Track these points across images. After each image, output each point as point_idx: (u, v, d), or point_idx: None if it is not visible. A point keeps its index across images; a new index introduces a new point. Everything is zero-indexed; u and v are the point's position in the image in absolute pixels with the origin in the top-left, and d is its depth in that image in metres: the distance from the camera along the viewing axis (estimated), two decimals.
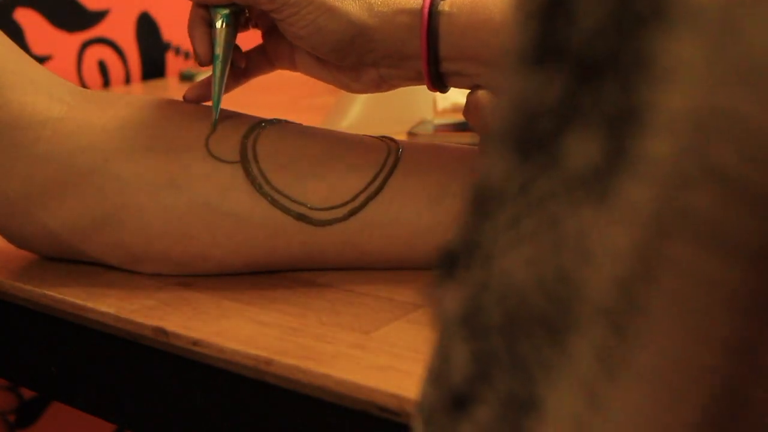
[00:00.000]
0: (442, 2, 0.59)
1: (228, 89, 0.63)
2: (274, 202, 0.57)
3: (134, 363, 0.56)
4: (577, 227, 0.21)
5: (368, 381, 0.45)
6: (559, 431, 0.22)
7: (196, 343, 0.51)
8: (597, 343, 0.21)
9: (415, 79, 0.62)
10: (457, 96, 1.05)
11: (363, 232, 0.57)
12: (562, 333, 0.21)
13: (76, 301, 0.56)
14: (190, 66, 1.38)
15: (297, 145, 0.59)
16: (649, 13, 0.20)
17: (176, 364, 0.53)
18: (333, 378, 0.46)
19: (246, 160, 0.58)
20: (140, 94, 1.24)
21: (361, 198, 0.57)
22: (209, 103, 0.61)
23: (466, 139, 0.87)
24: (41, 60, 1.19)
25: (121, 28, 1.29)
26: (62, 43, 1.22)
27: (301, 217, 0.57)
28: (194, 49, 0.61)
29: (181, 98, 0.63)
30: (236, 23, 0.61)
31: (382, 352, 0.48)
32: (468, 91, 0.61)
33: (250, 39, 0.66)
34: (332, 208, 0.57)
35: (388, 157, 0.59)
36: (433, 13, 0.59)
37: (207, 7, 0.61)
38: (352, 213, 0.57)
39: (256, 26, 0.65)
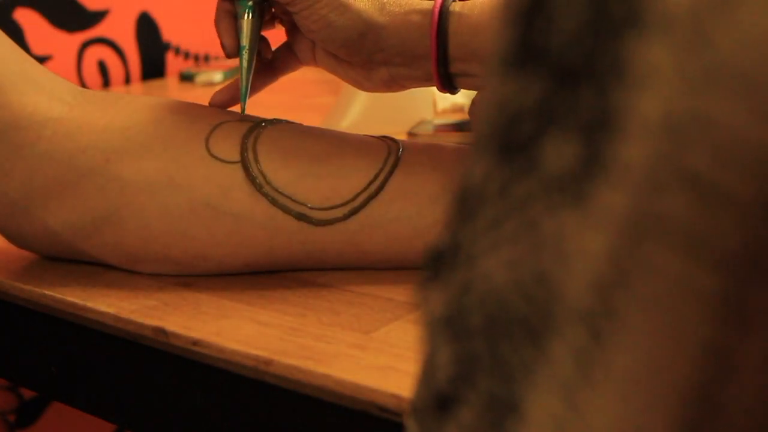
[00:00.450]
0: (453, 3, 0.59)
1: (256, 90, 0.64)
2: (274, 202, 0.57)
3: (134, 363, 0.56)
4: (554, 230, 0.21)
5: (368, 381, 0.45)
6: None
7: (196, 343, 0.51)
8: (575, 346, 0.21)
9: (425, 80, 0.62)
10: (457, 96, 1.05)
11: (363, 231, 0.57)
12: (541, 335, 0.22)
13: (75, 301, 0.56)
14: (190, 66, 1.38)
15: (297, 145, 0.59)
16: (623, 19, 0.20)
17: (176, 364, 0.53)
18: (333, 378, 0.46)
19: (246, 160, 0.58)
20: (140, 94, 1.24)
21: (362, 198, 0.57)
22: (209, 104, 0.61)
23: (466, 139, 0.87)
24: (41, 60, 1.19)
25: (121, 28, 1.29)
26: (62, 43, 1.22)
27: (301, 217, 0.57)
28: (221, 42, 0.62)
29: (180, 98, 0.63)
30: (261, 14, 0.62)
31: (382, 352, 0.48)
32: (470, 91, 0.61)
33: (275, 37, 0.66)
34: (332, 207, 0.57)
35: (389, 156, 0.59)
36: (444, 14, 0.59)
37: (232, 0, 0.62)
38: (353, 213, 0.57)
39: (281, 22, 0.66)
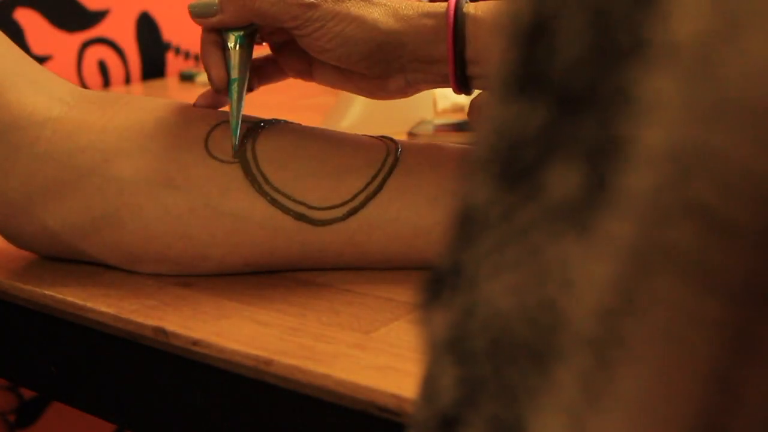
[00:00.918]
0: (467, 4, 0.59)
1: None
2: (273, 202, 0.57)
3: (134, 363, 0.56)
4: (558, 258, 0.21)
5: (368, 381, 0.45)
6: None
7: (195, 343, 0.51)
8: (581, 372, 0.21)
9: (441, 83, 0.61)
10: (458, 96, 1.05)
11: (362, 231, 0.57)
12: (547, 361, 0.22)
13: (76, 301, 0.56)
14: (190, 66, 1.38)
15: (296, 145, 0.59)
16: (628, 47, 0.20)
17: (176, 364, 0.53)
18: (333, 378, 0.46)
19: (245, 160, 0.58)
20: (140, 94, 1.24)
21: (361, 198, 0.57)
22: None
23: (466, 139, 0.87)
24: (41, 60, 1.19)
25: (121, 28, 1.29)
26: (62, 43, 1.22)
27: (300, 217, 0.57)
28: (209, 75, 0.60)
29: (180, 98, 0.63)
30: (251, 43, 0.60)
31: (382, 352, 0.48)
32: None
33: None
34: (332, 207, 0.57)
35: (388, 156, 0.59)
36: (459, 16, 0.58)
37: (219, 31, 0.60)
38: (352, 213, 0.57)
39: (264, 41, 0.64)
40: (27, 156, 0.58)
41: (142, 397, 0.57)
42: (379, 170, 0.58)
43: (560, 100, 0.21)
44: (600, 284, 0.21)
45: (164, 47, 1.35)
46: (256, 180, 0.57)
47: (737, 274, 0.20)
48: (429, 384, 0.25)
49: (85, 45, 1.25)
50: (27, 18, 1.18)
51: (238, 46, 0.59)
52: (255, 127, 0.60)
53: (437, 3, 0.59)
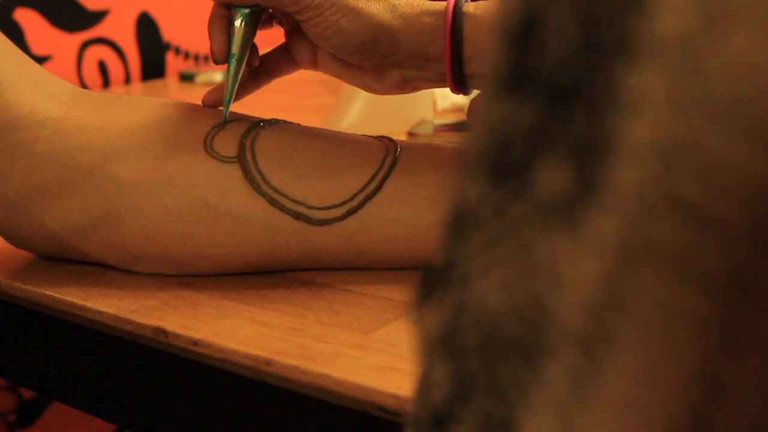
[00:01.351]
0: (466, 3, 0.59)
1: (249, 91, 0.64)
2: (272, 202, 0.57)
3: (134, 363, 0.56)
4: (548, 254, 0.21)
5: (368, 381, 0.45)
6: None
7: (195, 343, 0.51)
8: (569, 368, 0.21)
9: (438, 81, 0.62)
10: (457, 96, 1.05)
11: (361, 231, 0.57)
12: (536, 357, 0.22)
13: (75, 301, 0.56)
14: (189, 66, 1.38)
15: (295, 145, 0.59)
16: (614, 44, 0.20)
17: (176, 364, 0.53)
18: (332, 378, 0.46)
19: (244, 160, 0.58)
20: (140, 94, 1.24)
21: (360, 197, 0.57)
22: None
23: (464, 139, 0.87)
24: (41, 60, 1.19)
25: (121, 28, 1.29)
26: (62, 43, 1.22)
27: (299, 217, 0.57)
28: (211, 46, 0.61)
29: (180, 98, 0.63)
30: (256, 23, 0.61)
31: (382, 352, 0.48)
32: None
33: (268, 38, 0.66)
34: (331, 207, 0.57)
35: (387, 156, 0.59)
36: (458, 15, 0.58)
37: (228, 6, 0.61)
38: (351, 213, 0.57)
39: (279, 23, 0.65)
40: (26, 156, 0.58)
41: (142, 397, 0.57)
42: (378, 170, 0.58)
43: (549, 97, 0.21)
44: (587, 280, 0.21)
45: (164, 47, 1.35)
46: (255, 180, 0.57)
47: (721, 270, 0.20)
48: (423, 381, 0.25)
49: (85, 45, 1.25)
50: (27, 18, 1.18)
51: (242, 23, 0.60)
52: (254, 127, 0.60)
53: (438, 2, 0.60)
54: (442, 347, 0.24)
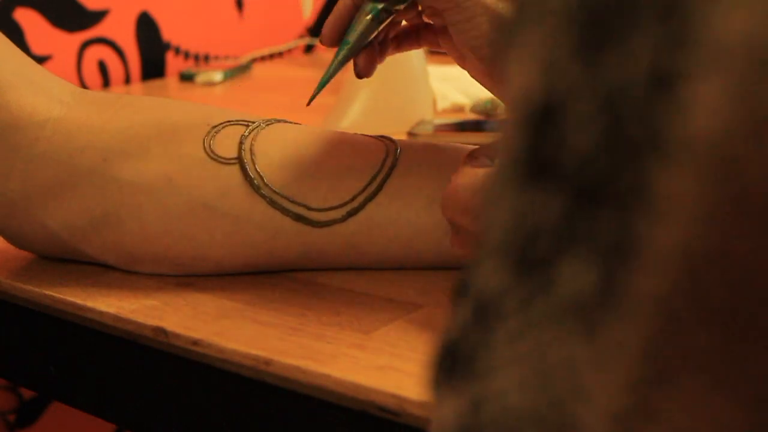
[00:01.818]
0: None
1: (379, 57, 0.61)
2: (272, 203, 0.57)
3: (134, 363, 0.56)
4: (565, 358, 0.20)
5: (368, 381, 0.45)
6: None
7: (195, 343, 0.51)
8: None
9: None
10: (457, 96, 1.06)
11: (362, 232, 0.57)
12: None
13: (75, 301, 0.56)
14: (189, 66, 1.38)
15: (295, 146, 0.59)
16: (643, 141, 0.19)
17: (176, 364, 0.53)
18: (333, 378, 0.46)
19: (244, 161, 0.58)
20: (140, 94, 1.24)
21: (360, 199, 0.57)
22: (208, 103, 0.61)
23: (465, 139, 0.87)
24: (41, 60, 1.19)
25: (121, 28, 1.29)
26: (62, 43, 1.22)
27: (299, 218, 0.57)
28: (325, 25, 0.59)
29: (180, 98, 0.63)
30: (384, 20, 0.58)
31: (382, 352, 0.48)
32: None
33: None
34: (331, 208, 0.57)
35: (387, 157, 0.59)
36: None
37: None
38: (351, 214, 0.57)
39: (418, 29, 0.62)
40: (26, 156, 0.58)
41: (142, 397, 0.57)
42: (379, 171, 0.58)
43: (576, 192, 0.20)
44: (613, 389, 0.20)
45: (164, 47, 1.35)
46: (254, 181, 0.57)
47: (758, 378, 0.19)
48: None
49: (85, 45, 1.25)
50: (27, 18, 1.18)
51: (370, 15, 0.58)
52: (254, 128, 0.60)
53: None
54: None
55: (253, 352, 0.49)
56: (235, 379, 0.50)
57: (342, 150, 0.59)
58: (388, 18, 0.59)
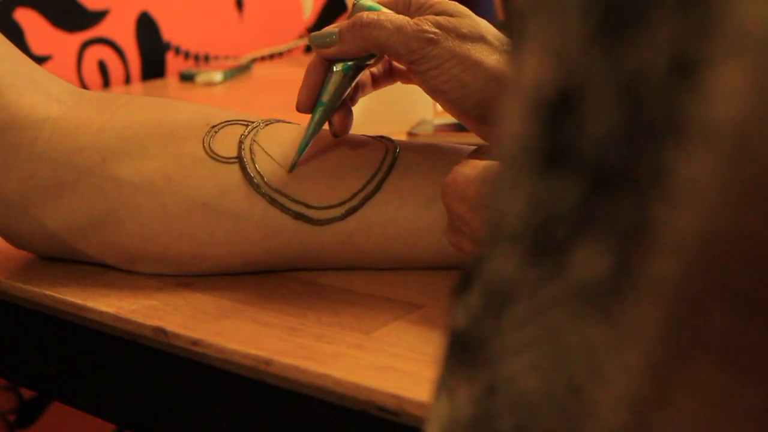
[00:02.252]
0: None
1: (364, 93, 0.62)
2: (272, 202, 0.57)
3: (134, 363, 0.56)
4: (581, 342, 0.21)
5: (368, 381, 0.45)
6: None
7: (195, 343, 0.51)
8: None
9: None
10: None
11: (361, 231, 0.57)
12: None
13: (75, 301, 0.56)
14: (189, 66, 1.38)
15: (295, 145, 0.59)
16: (663, 126, 0.19)
17: (176, 364, 0.53)
18: (332, 378, 0.46)
19: (244, 160, 0.58)
20: (140, 94, 1.24)
21: (359, 197, 0.57)
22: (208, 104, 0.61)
23: (465, 139, 0.87)
24: (41, 60, 1.19)
25: (121, 28, 1.29)
26: (62, 43, 1.22)
27: (299, 216, 0.57)
28: (299, 92, 0.59)
29: (180, 98, 0.63)
30: (355, 76, 0.59)
31: (382, 352, 0.48)
32: None
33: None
34: (330, 207, 0.57)
35: (386, 156, 0.59)
36: None
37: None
38: (350, 212, 0.57)
39: (391, 76, 0.63)
40: (25, 156, 0.58)
41: (142, 397, 0.57)
42: (378, 170, 0.58)
43: (594, 178, 0.20)
44: (631, 372, 0.20)
45: (164, 47, 1.35)
46: (254, 180, 0.57)
47: None
48: None
49: (85, 45, 1.25)
50: (27, 18, 1.18)
51: (342, 75, 0.58)
52: (254, 127, 0.60)
53: None
54: (474, 429, 0.23)
55: (253, 352, 0.49)
56: (235, 379, 0.50)
57: (341, 149, 0.59)
58: (359, 73, 0.59)
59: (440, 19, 0.56)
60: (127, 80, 1.31)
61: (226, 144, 0.58)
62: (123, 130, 0.59)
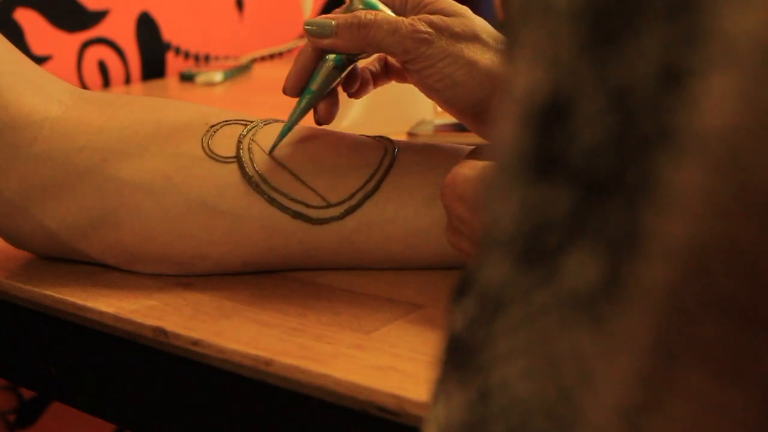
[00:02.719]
0: None
1: (360, 93, 0.62)
2: (271, 201, 0.57)
3: (134, 363, 0.56)
4: (571, 348, 0.21)
5: (368, 381, 0.45)
6: None
7: (195, 343, 0.51)
8: None
9: None
10: None
11: (360, 230, 0.57)
12: None
13: (75, 301, 0.56)
14: (190, 66, 1.38)
15: (294, 145, 0.59)
16: (654, 136, 0.19)
17: (176, 364, 0.53)
18: (332, 378, 0.46)
19: (243, 159, 0.58)
20: (140, 94, 1.24)
21: (358, 197, 0.57)
22: (209, 104, 0.61)
23: (465, 139, 0.87)
24: (41, 60, 1.19)
25: (121, 28, 1.29)
26: (62, 43, 1.22)
27: (298, 216, 0.57)
28: (288, 76, 0.59)
29: (180, 98, 0.63)
30: (345, 68, 0.59)
31: (382, 352, 0.48)
32: None
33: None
34: (329, 206, 0.57)
35: (385, 156, 0.59)
36: None
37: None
38: (349, 211, 0.57)
39: (387, 73, 0.63)
40: (24, 156, 0.58)
41: (142, 397, 0.57)
42: (377, 170, 0.58)
43: (585, 186, 0.21)
44: (621, 380, 0.20)
45: (164, 47, 1.35)
46: (253, 180, 0.57)
47: (765, 365, 0.19)
48: None
49: (85, 45, 1.25)
50: (27, 18, 1.18)
51: (333, 64, 0.58)
52: (253, 127, 0.60)
53: None
54: None
55: (253, 352, 0.49)
56: (235, 379, 0.50)
57: (340, 148, 0.59)
58: (349, 66, 0.59)
59: (434, 18, 0.56)
60: (127, 80, 1.31)
61: (225, 143, 0.58)
62: (122, 130, 0.59)
